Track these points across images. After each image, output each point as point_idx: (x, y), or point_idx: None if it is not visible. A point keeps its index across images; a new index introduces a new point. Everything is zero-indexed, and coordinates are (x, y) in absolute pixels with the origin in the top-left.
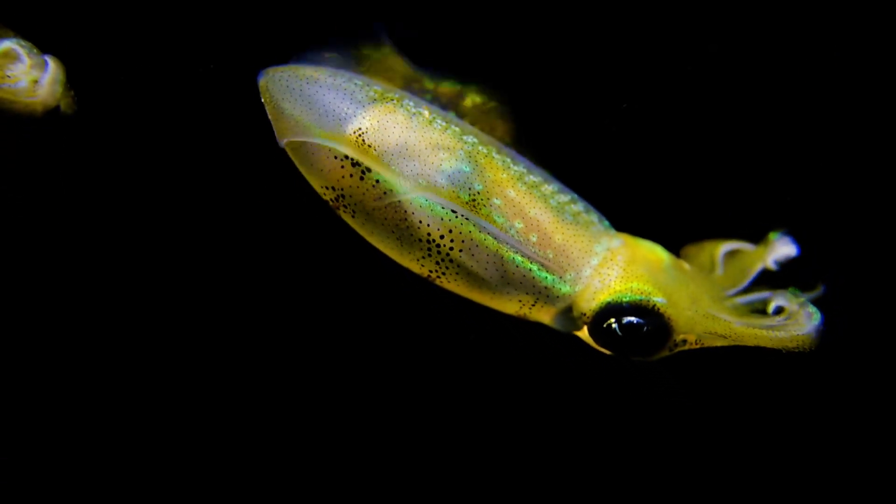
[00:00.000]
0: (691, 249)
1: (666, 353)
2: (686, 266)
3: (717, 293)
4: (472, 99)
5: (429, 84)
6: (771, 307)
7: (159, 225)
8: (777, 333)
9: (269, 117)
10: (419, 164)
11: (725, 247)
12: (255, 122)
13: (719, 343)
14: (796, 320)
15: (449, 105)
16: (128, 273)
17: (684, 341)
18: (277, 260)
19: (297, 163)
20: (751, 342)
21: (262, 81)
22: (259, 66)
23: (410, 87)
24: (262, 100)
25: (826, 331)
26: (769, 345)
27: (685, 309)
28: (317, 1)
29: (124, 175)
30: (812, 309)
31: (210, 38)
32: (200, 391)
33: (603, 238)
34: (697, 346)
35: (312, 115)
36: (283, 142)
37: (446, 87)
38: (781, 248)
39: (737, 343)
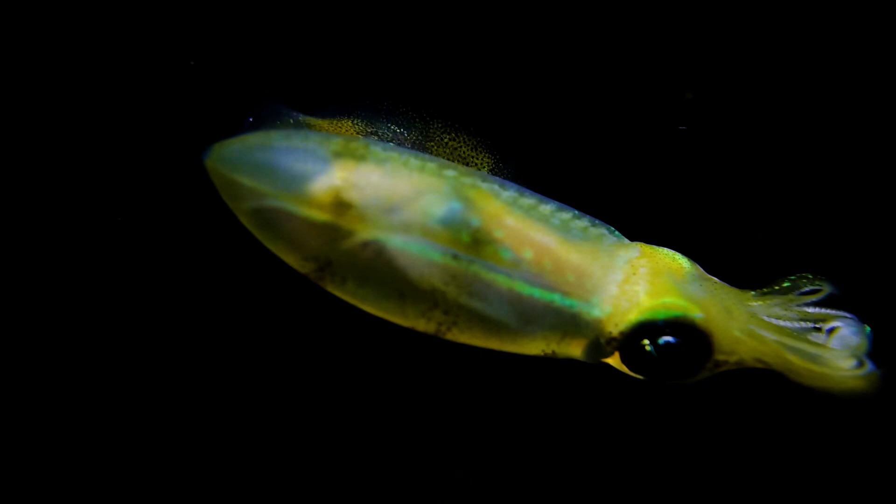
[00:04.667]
0: None
1: (706, 374)
2: (709, 276)
3: (750, 306)
4: (438, 139)
5: (387, 135)
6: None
7: None
8: (824, 363)
9: (224, 197)
10: (406, 211)
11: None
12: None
13: (760, 364)
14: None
15: (416, 149)
16: None
17: (725, 361)
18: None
19: (263, 240)
20: (792, 367)
21: (209, 160)
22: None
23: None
24: (213, 180)
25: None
26: (810, 376)
27: (723, 323)
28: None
29: None
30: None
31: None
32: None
33: (619, 250)
34: (736, 368)
35: (275, 182)
36: (245, 211)
37: (408, 135)
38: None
39: (778, 367)
